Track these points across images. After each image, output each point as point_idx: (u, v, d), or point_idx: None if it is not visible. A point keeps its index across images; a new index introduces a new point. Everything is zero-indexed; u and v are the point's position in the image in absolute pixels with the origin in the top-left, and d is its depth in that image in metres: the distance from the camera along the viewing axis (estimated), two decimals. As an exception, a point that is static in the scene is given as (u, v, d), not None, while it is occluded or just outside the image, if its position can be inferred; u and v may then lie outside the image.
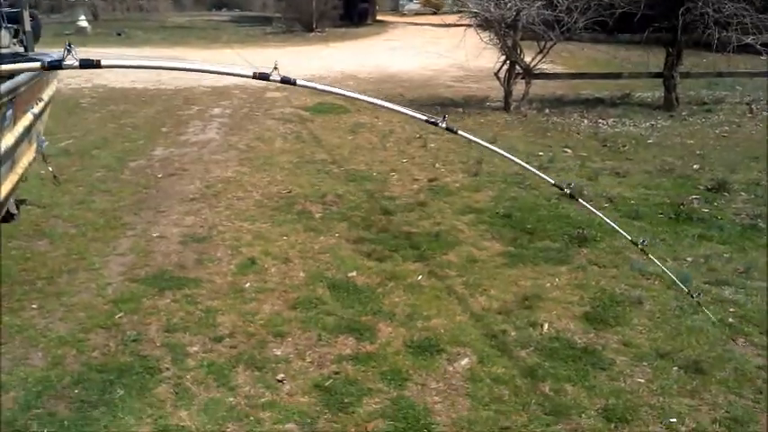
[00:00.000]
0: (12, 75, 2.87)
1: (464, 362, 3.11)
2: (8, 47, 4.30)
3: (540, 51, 9.14)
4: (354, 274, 4.03)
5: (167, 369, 3.03)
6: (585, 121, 8.67)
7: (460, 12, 10.41)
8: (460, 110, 9.35)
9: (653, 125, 8.38)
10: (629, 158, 6.74)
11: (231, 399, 2.83)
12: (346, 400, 2.82)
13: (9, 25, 4.38)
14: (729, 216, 5.01)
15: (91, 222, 4.81)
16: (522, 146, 7.24)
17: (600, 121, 8.65)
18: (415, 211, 5.16)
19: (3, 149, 2.97)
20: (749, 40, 8.27)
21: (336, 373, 3.03)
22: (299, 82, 2.32)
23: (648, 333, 3.35)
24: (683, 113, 9.04)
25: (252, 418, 2.71)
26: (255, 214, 5.05)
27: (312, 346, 3.24)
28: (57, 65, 1.98)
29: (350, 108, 9.10)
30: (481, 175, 6.02)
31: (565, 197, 5.42)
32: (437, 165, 6.47)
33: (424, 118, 2.65)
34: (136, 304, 3.61)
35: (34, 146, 4.01)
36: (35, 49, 4.64)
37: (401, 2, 33.43)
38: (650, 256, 3.46)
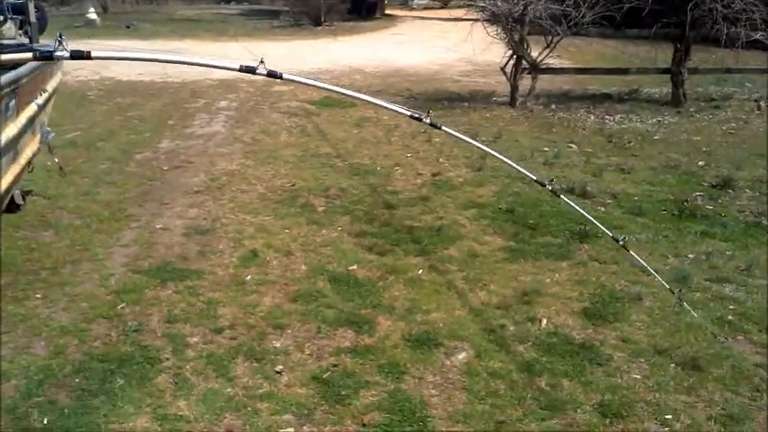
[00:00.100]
0: (14, 66, 2.90)
1: (461, 356, 3.13)
2: (14, 38, 4.33)
3: (548, 46, 9.11)
4: (355, 267, 4.05)
5: (167, 359, 3.06)
6: (592, 116, 8.64)
7: (468, 6, 10.37)
8: (466, 104, 9.34)
9: (660, 121, 8.34)
10: (634, 155, 6.72)
11: (229, 389, 2.86)
12: (343, 393, 2.84)
13: (14, 16, 4.41)
14: (733, 213, 4.99)
15: (95, 214, 4.85)
16: (527, 141, 7.22)
17: (606, 116, 8.62)
18: (417, 205, 5.17)
19: (5, 140, 2.99)
20: (758, 35, 8.20)
21: (335, 365, 3.05)
22: (285, 76, 2.33)
23: (647, 329, 3.35)
24: (691, 110, 8.99)
25: (249, 408, 2.74)
26: (259, 207, 5.07)
27: (311, 339, 3.26)
28: (48, 55, 2.01)
29: (356, 102, 9.10)
30: (485, 170, 6.01)
31: (569, 193, 5.43)
32: (441, 159, 6.47)
33: (408, 113, 2.66)
34: (138, 295, 3.65)
35: (38, 137, 4.04)
36: (40, 41, 4.67)
37: (410, -5, 33.27)
38: (631, 252, 3.49)
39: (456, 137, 2.92)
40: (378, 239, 4.45)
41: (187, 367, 3.00)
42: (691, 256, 4.25)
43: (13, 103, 3.09)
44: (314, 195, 5.35)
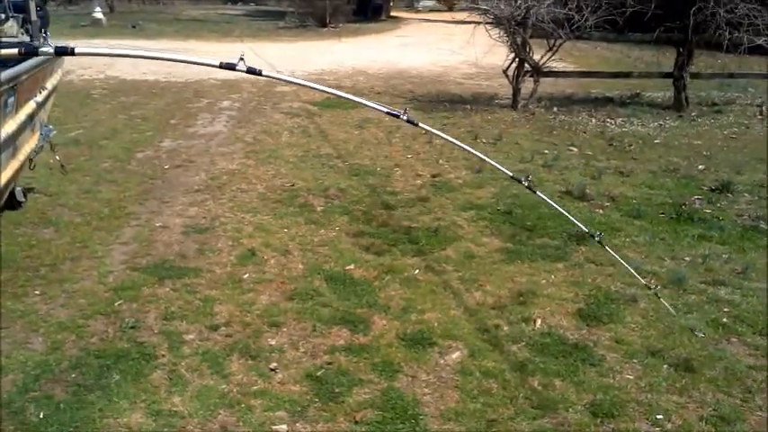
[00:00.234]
0: (14, 63, 2.93)
1: (455, 355, 3.15)
2: (16, 36, 4.37)
3: (550, 49, 9.12)
4: (352, 267, 4.07)
5: (163, 356, 3.09)
6: (593, 120, 8.64)
7: (471, 9, 10.38)
8: (468, 107, 9.35)
9: (661, 125, 8.34)
10: (634, 158, 6.72)
11: (224, 386, 2.88)
12: (337, 390, 2.86)
13: (16, 14, 4.45)
14: (731, 217, 4.99)
15: (96, 211, 4.88)
16: (528, 143, 7.24)
17: (608, 120, 8.62)
18: (416, 206, 5.19)
19: (4, 136, 3.03)
20: (761, 41, 8.19)
21: (329, 363, 3.07)
22: (264, 72, 2.36)
23: (641, 331, 3.36)
24: (693, 114, 8.98)
25: (243, 405, 2.76)
26: (258, 206, 5.10)
27: (306, 337, 3.28)
28: (33, 51, 2.05)
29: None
30: (484, 172, 6.03)
31: (567, 195, 5.45)
32: (441, 161, 6.49)
33: (386, 110, 2.68)
34: (136, 292, 3.68)
35: (37, 134, 4.08)
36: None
37: (416, -2, 33.31)
38: (606, 247, 3.54)
39: (434, 133, 2.96)
40: (375, 239, 4.48)
41: (182, 364, 3.03)
42: (687, 258, 4.25)
43: (12, 99, 3.12)
44: (313, 195, 5.37)
